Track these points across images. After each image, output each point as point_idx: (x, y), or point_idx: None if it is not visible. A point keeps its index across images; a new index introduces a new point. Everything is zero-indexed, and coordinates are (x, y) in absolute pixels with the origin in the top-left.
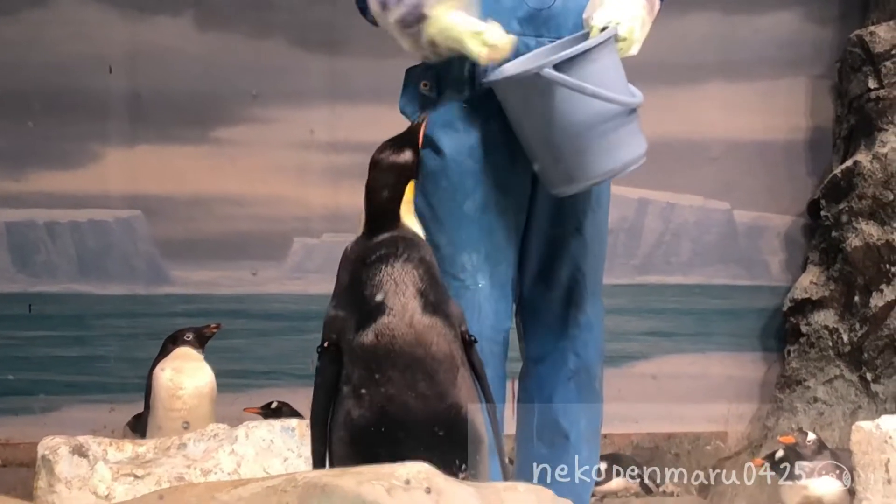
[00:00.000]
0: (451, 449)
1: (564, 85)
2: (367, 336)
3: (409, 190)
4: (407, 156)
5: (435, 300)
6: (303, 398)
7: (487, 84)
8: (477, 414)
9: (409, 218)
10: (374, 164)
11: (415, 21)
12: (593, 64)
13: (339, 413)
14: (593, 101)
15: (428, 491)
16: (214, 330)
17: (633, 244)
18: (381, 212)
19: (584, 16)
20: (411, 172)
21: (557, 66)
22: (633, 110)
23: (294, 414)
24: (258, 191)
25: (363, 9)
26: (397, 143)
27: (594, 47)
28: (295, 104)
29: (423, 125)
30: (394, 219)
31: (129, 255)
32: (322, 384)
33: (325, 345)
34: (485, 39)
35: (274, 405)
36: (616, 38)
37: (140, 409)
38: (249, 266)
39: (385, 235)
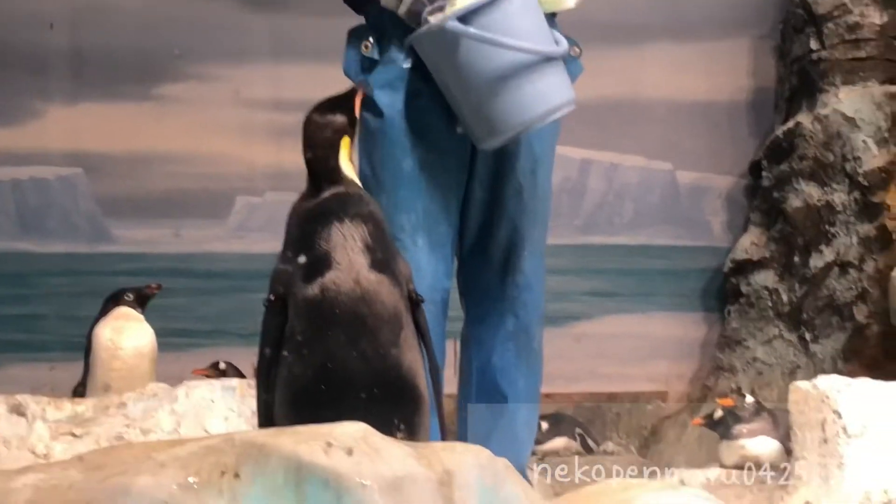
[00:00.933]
0: (391, 408)
1: (469, 36)
2: (312, 291)
3: (345, 146)
4: (339, 115)
5: (383, 257)
6: (245, 357)
7: (409, 43)
8: (419, 374)
9: (350, 173)
10: (307, 123)
11: None
12: (502, 14)
13: (281, 368)
14: (504, 50)
15: (365, 450)
16: (155, 290)
17: (576, 205)
18: (320, 168)
19: None
20: (344, 130)
21: (465, 18)
22: (552, 59)
23: (239, 375)
24: (201, 149)
25: None
26: (331, 102)
27: None
28: (238, 62)
29: (361, 92)
30: (335, 174)
31: (70, 213)
32: (266, 338)
33: (272, 298)
34: None
35: (222, 366)
36: None
37: (81, 369)
38: (192, 225)
39: (331, 190)
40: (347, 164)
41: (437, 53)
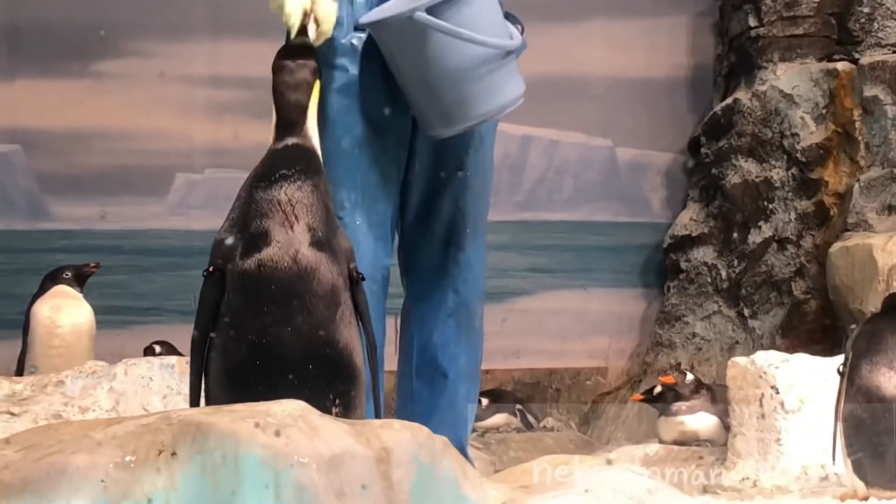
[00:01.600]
0: (326, 385)
1: (438, 29)
2: (250, 265)
3: (316, 90)
4: (311, 58)
5: (323, 234)
6: (184, 335)
7: (363, 26)
8: (355, 351)
9: (312, 125)
10: (280, 67)
11: None
12: (468, 7)
13: (216, 342)
14: (468, 44)
15: (303, 428)
16: (94, 269)
17: (516, 181)
18: (292, 113)
19: None
20: (317, 73)
21: (432, 10)
22: (509, 53)
23: (175, 353)
24: (140, 125)
25: None
26: (298, 47)
27: None
28: (177, 38)
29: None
30: (301, 124)
31: (7, 189)
32: (203, 310)
33: (210, 270)
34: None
35: (157, 350)
36: None
37: (18, 347)
38: (132, 202)
39: (288, 144)
40: (314, 111)
41: (397, 41)
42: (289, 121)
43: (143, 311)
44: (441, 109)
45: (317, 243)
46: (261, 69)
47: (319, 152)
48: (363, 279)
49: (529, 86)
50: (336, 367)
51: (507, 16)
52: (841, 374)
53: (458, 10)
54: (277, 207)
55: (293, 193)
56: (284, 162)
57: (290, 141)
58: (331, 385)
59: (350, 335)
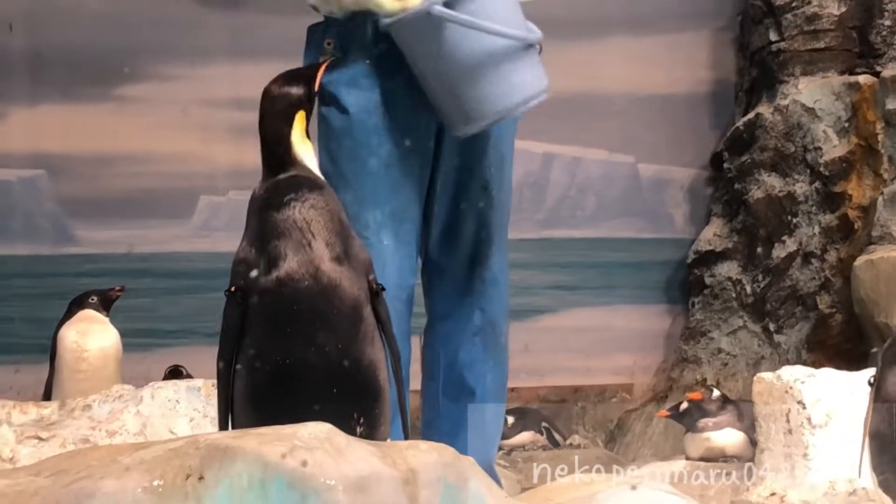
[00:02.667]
0: (351, 403)
1: (454, 21)
2: (270, 284)
3: (300, 120)
4: (298, 86)
5: (341, 248)
6: (210, 357)
7: (384, 28)
8: (379, 368)
9: (304, 152)
10: (264, 94)
11: None
12: (482, 1)
13: (240, 363)
14: (486, 37)
15: (329, 451)
16: (119, 293)
17: (539, 199)
18: (273, 144)
19: None
20: (301, 103)
21: (448, 4)
22: (530, 47)
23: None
24: (163, 149)
25: None
26: (291, 74)
27: None
28: (198, 62)
29: (325, 65)
30: (287, 152)
31: (32, 214)
32: (226, 330)
33: (231, 290)
34: None
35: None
36: None
37: (46, 371)
38: (156, 225)
39: (287, 175)
40: (302, 140)
41: (417, 39)
42: (273, 154)
43: (169, 334)
44: (462, 106)
45: (337, 258)
46: None
47: (318, 173)
48: (383, 290)
49: (551, 104)
50: (360, 384)
51: None
52: (871, 384)
53: (475, 2)
54: (294, 226)
55: (306, 212)
56: (289, 186)
57: (284, 165)
58: (355, 404)
59: (374, 352)
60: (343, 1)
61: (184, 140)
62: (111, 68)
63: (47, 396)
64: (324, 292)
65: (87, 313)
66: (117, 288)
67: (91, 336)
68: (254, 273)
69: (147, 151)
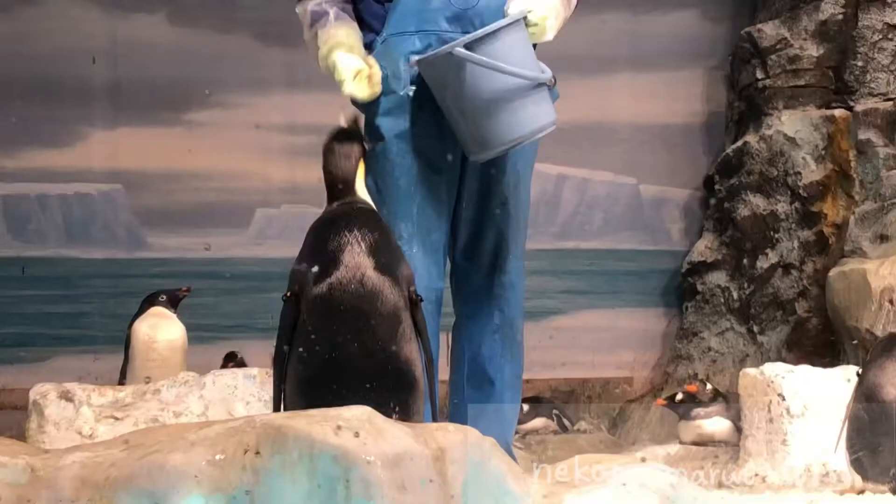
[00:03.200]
0: (388, 393)
1: (472, 61)
2: (322, 289)
3: (360, 169)
4: (356, 144)
5: (385, 262)
6: (263, 349)
7: (413, 66)
8: (414, 364)
9: (362, 190)
10: (329, 151)
11: (311, 25)
12: (499, 43)
13: (294, 356)
14: (500, 75)
15: (370, 431)
16: (185, 293)
17: (552, 214)
18: (337, 187)
19: (505, 7)
20: (361, 156)
21: (468, 46)
22: (539, 85)
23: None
24: (224, 167)
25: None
26: (346, 133)
27: (500, 29)
28: (257, 91)
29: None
30: (349, 191)
31: (110, 223)
32: (283, 329)
33: (287, 295)
34: (371, 77)
35: (240, 357)
36: (527, 24)
37: (121, 360)
38: (218, 233)
39: (345, 204)
40: (362, 183)
41: (441, 76)
42: (340, 191)
43: (228, 329)
44: (478, 135)
45: (380, 268)
46: (328, 118)
47: (370, 203)
48: (422, 301)
49: (564, 132)
50: (397, 377)
51: None
52: (858, 375)
53: (491, 45)
54: (346, 239)
55: (357, 230)
56: (345, 211)
57: (345, 199)
58: (392, 394)
59: (410, 350)
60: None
61: (243, 160)
62: (180, 95)
63: (122, 382)
64: (367, 297)
65: (158, 310)
66: (184, 289)
67: (161, 330)
68: (307, 280)
69: (211, 169)
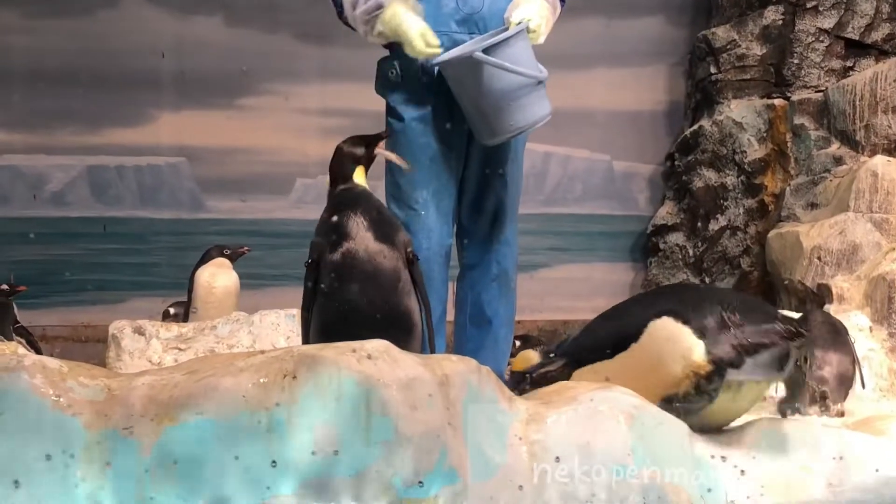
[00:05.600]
0: (391, 335)
1: (490, 64)
2: (336, 256)
3: (359, 173)
4: (359, 149)
5: (384, 232)
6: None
7: (435, 65)
8: (412, 311)
9: (360, 178)
10: (337, 149)
11: (373, 9)
12: (510, 49)
13: (317, 308)
14: (509, 74)
15: (386, 359)
16: (245, 251)
17: (540, 185)
18: (339, 179)
19: (505, 15)
20: (359, 162)
21: (485, 51)
22: (540, 82)
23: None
24: (269, 143)
25: (340, 13)
26: (359, 139)
27: (511, 37)
28: (297, 81)
29: (385, 137)
30: (348, 180)
31: (176, 190)
32: (307, 289)
33: (309, 262)
34: (427, 40)
35: (172, 311)
36: (528, 31)
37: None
38: (263, 199)
39: (346, 188)
40: (360, 174)
41: (460, 74)
42: (341, 179)
43: (273, 277)
44: (489, 123)
45: (380, 238)
46: (358, 104)
47: (366, 188)
48: (417, 259)
49: (551, 117)
50: (398, 322)
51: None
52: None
53: (504, 50)
54: (352, 219)
55: (361, 209)
56: (349, 197)
57: (345, 185)
58: (394, 336)
59: (409, 302)
60: (385, 36)
61: (285, 138)
62: (233, 84)
63: (185, 319)
64: (371, 261)
65: (219, 260)
66: (246, 248)
67: (219, 277)
68: (324, 249)
69: (258, 145)
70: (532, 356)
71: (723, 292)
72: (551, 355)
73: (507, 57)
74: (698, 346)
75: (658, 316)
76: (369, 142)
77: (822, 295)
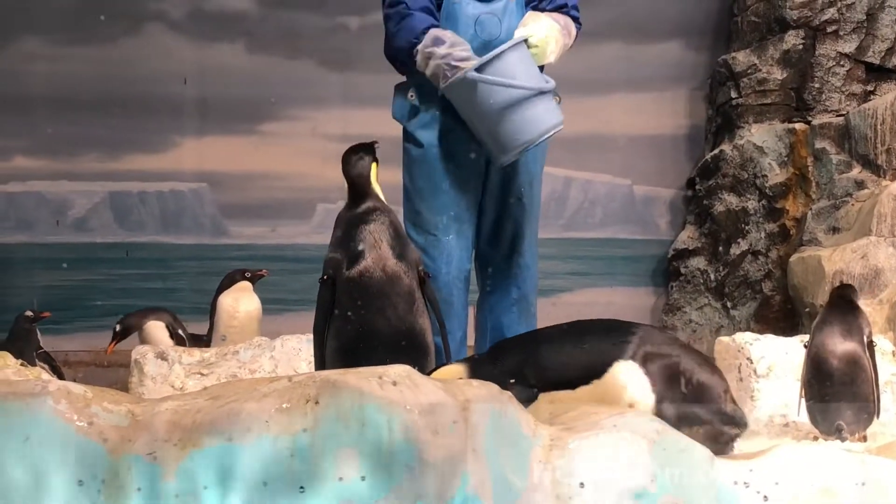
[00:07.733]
0: (406, 357)
1: (482, 80)
2: (353, 275)
3: (374, 169)
4: (364, 151)
5: (400, 251)
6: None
7: (441, 93)
8: (427, 333)
9: (377, 189)
10: (346, 158)
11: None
12: (503, 63)
13: (332, 328)
14: (505, 89)
15: (408, 385)
16: (263, 274)
17: (561, 209)
18: (356, 189)
19: (515, 33)
20: (372, 158)
21: (478, 69)
22: (543, 93)
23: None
24: (291, 169)
25: (391, 58)
26: (358, 146)
27: (503, 52)
28: (318, 107)
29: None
30: (366, 192)
31: (198, 215)
32: (321, 307)
33: (324, 278)
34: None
35: (118, 328)
36: (528, 45)
37: (204, 328)
38: (287, 224)
39: (365, 205)
40: (376, 183)
41: (461, 96)
42: (359, 191)
43: (294, 302)
44: (497, 141)
45: (397, 257)
46: (378, 130)
47: (384, 202)
48: (429, 276)
49: (571, 141)
50: (413, 344)
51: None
52: (805, 347)
53: (497, 66)
54: (369, 236)
55: (377, 227)
56: (365, 210)
57: (365, 202)
58: (409, 356)
59: (423, 322)
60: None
61: (306, 163)
62: (256, 110)
63: (207, 344)
64: (389, 281)
65: (242, 284)
66: (264, 271)
67: (241, 302)
68: (341, 266)
69: (279, 171)
70: (456, 370)
71: (689, 351)
72: (511, 381)
73: (501, 71)
74: (647, 402)
75: (625, 358)
76: (369, 146)
77: None
